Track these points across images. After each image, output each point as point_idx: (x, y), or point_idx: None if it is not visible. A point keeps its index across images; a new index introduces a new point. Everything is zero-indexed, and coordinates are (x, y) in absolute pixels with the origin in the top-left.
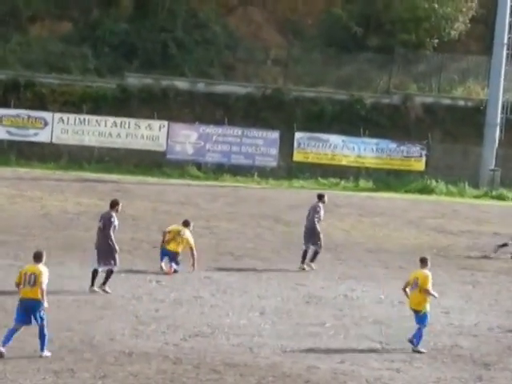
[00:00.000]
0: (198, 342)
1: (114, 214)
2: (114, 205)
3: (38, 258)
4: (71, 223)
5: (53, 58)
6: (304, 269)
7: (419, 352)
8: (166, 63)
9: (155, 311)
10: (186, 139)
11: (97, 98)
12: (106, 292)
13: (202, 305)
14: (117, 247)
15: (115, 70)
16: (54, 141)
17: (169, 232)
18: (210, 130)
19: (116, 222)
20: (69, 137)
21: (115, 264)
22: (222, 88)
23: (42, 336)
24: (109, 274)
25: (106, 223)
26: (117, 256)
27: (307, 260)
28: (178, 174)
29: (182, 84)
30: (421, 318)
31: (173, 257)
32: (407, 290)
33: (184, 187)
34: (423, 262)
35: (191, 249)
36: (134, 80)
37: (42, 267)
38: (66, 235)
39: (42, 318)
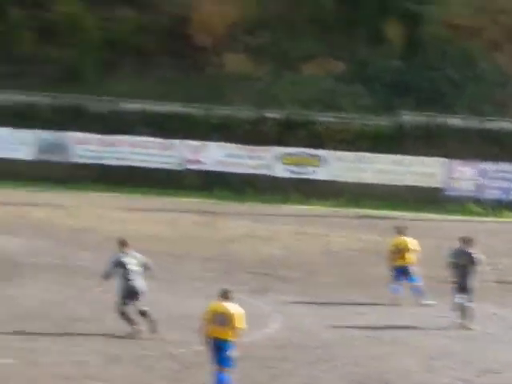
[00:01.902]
0: (489, 379)
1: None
2: (468, 241)
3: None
4: (353, 260)
5: (325, 96)
6: None
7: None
8: (437, 100)
9: (444, 346)
10: (464, 176)
11: (373, 135)
12: (469, 328)
13: (491, 341)
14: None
15: (387, 107)
16: (332, 178)
17: (392, 250)
18: (487, 166)
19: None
20: (346, 174)
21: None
22: (494, 124)
23: None
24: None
25: (470, 260)
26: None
27: None
28: (456, 211)
29: (455, 121)
30: None
31: (407, 271)
32: None
33: (463, 223)
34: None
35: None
36: (408, 118)
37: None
38: (350, 272)
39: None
